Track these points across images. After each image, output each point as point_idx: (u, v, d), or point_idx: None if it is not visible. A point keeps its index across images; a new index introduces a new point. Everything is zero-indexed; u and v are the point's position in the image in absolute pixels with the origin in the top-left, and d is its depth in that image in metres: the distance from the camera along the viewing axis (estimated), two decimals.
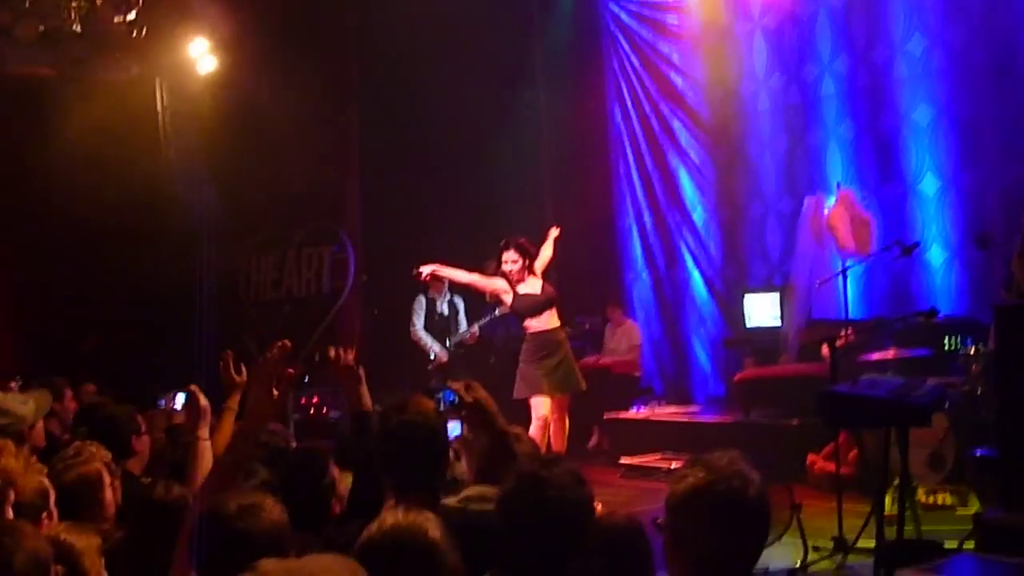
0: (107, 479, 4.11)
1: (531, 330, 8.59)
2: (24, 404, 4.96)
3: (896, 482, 6.21)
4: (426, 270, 8.92)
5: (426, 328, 10.75)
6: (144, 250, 12.46)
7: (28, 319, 12.02)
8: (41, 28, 10.86)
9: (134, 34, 11.40)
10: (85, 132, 11.48)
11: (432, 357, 10.63)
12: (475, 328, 10.61)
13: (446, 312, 10.84)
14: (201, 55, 11.99)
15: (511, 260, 8.48)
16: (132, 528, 3.66)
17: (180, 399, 4.59)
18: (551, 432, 8.37)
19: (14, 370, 9.34)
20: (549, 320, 8.57)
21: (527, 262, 8.52)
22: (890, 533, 5.46)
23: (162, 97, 12.36)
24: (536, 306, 8.54)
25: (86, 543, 3.25)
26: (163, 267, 12.32)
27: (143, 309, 12.32)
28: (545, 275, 8.78)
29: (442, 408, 4.11)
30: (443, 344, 10.66)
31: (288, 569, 2.20)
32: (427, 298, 10.81)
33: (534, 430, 8.10)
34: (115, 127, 11.95)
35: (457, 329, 10.77)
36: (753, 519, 2.47)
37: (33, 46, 11.06)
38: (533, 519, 2.89)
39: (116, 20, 11.15)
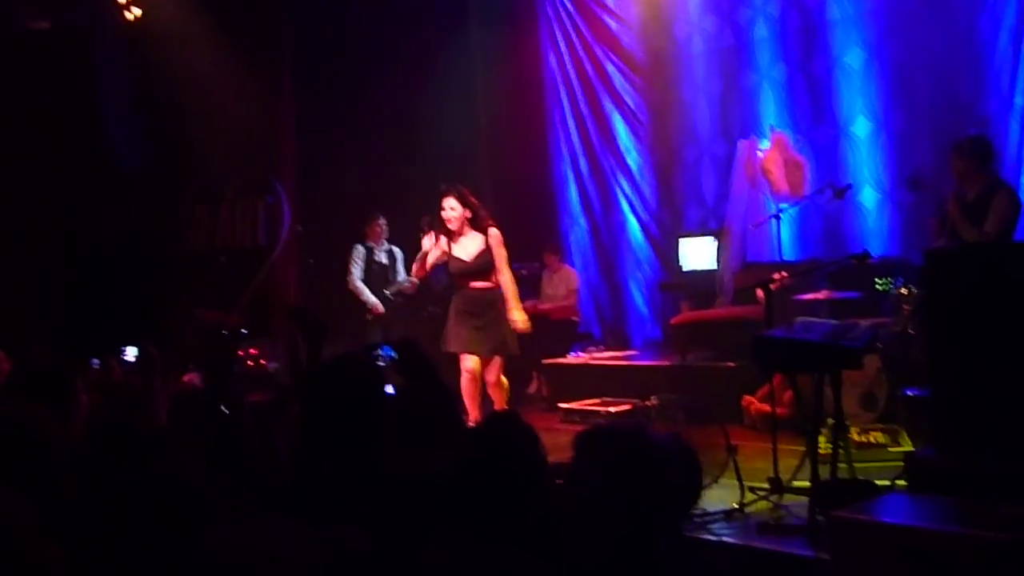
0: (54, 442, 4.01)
1: (462, 287, 8.29)
2: None
3: (830, 422, 6.32)
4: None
5: (364, 278, 10.68)
6: (77, 204, 12.27)
7: None
8: None
9: None
10: (14, 82, 11.27)
11: (369, 308, 10.59)
12: (413, 277, 10.55)
13: (384, 261, 10.79)
14: (128, 3, 11.75)
15: (450, 208, 8.06)
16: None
17: (131, 352, 4.55)
18: (491, 393, 8.15)
19: None
20: (482, 280, 8.18)
21: (468, 212, 8.08)
22: (824, 473, 5.55)
23: (89, 48, 12.13)
24: (465, 273, 8.18)
25: (18, 506, 3.17)
26: (96, 221, 12.17)
27: (76, 263, 12.16)
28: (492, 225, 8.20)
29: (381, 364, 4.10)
30: (381, 294, 10.62)
31: (238, 531, 2.18)
32: (365, 247, 10.75)
33: (464, 383, 7.99)
34: (44, 78, 11.74)
35: (395, 278, 10.73)
36: (647, 464, 2.47)
37: None
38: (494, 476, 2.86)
39: None
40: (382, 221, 10.79)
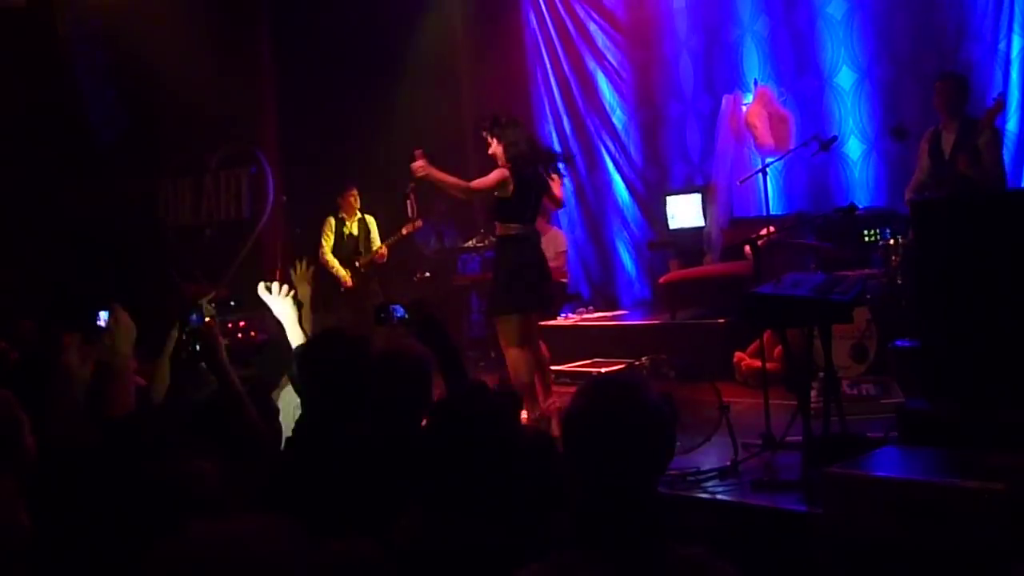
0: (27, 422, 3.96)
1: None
2: None
3: (821, 376, 6.31)
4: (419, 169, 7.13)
5: (335, 250, 10.59)
6: (58, 178, 12.19)
7: None
8: None
9: None
10: None
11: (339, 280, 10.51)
12: (383, 247, 10.49)
13: (355, 232, 10.70)
14: None
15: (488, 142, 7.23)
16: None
17: (103, 317, 4.52)
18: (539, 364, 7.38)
19: None
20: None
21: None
22: (817, 428, 5.54)
23: (61, 23, 12.00)
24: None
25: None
26: (77, 196, 12.09)
27: (59, 239, 12.09)
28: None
29: (392, 323, 4.09)
30: (351, 266, 10.53)
31: (218, 531, 2.12)
32: (337, 219, 10.66)
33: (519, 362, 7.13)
34: (19, 55, 11.63)
35: (368, 250, 10.64)
36: (644, 415, 2.46)
37: None
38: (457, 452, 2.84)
39: None
40: (354, 192, 10.68)
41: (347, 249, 10.60)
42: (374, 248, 10.58)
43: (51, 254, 11.95)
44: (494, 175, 7.08)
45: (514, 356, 7.09)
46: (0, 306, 10.09)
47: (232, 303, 10.91)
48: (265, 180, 12.39)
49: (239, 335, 10.87)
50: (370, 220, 10.71)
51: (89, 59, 12.21)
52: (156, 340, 4.82)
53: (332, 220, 10.64)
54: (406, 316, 3.82)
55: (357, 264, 10.53)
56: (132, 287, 10.93)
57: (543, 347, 7.49)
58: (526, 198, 7.21)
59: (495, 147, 7.15)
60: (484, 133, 7.24)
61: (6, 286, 11.32)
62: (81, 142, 12.33)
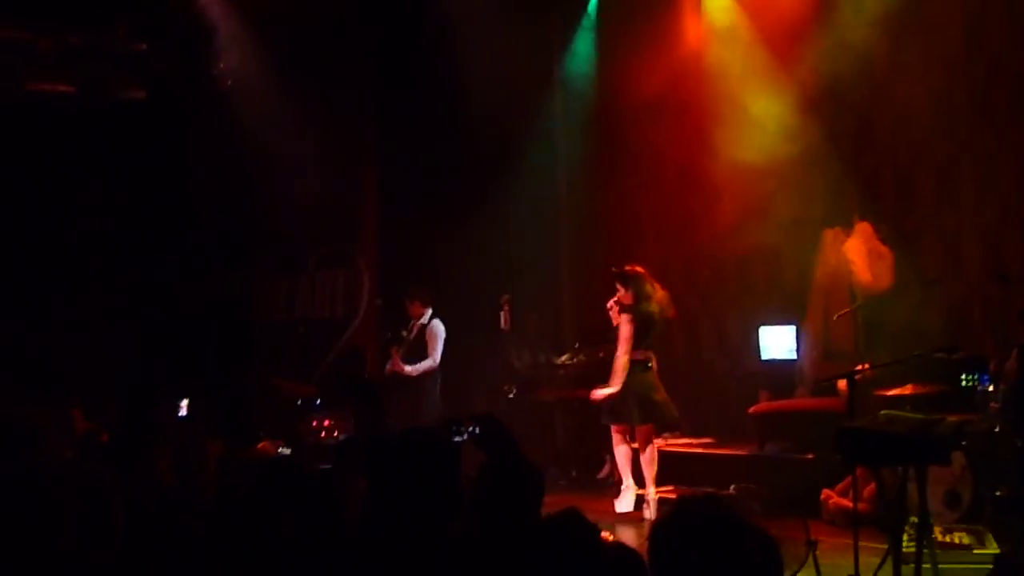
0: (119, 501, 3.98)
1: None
2: None
3: (912, 520, 6.13)
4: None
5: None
6: (158, 268, 12.49)
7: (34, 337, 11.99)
8: (61, 46, 10.92)
9: (148, 53, 11.47)
10: (102, 150, 11.53)
11: None
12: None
13: (410, 336, 10.89)
14: (218, 75, 12.04)
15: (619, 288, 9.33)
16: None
17: (184, 405, 4.60)
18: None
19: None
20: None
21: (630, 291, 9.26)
22: (907, 572, 5.37)
23: (179, 116, 12.40)
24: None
25: None
26: (177, 286, 12.36)
27: (156, 327, 12.33)
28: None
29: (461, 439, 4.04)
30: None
31: None
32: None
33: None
34: (133, 144, 12.01)
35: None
36: (729, 549, 2.39)
37: (53, 64, 11.12)
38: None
39: (132, 40, 11.22)
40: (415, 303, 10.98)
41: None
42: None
43: (148, 341, 12.19)
44: (626, 329, 9.21)
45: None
46: (90, 388, 10.28)
47: (318, 402, 11.08)
48: (361, 283, 12.54)
49: (322, 434, 10.98)
50: (436, 327, 10.78)
51: (201, 151, 12.56)
52: (243, 431, 4.86)
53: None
54: (476, 432, 3.77)
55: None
56: (220, 380, 11.09)
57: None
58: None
59: (624, 295, 9.22)
60: (617, 283, 9.25)
61: (102, 370, 11.56)
62: (186, 232, 12.63)
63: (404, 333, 10.80)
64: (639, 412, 9.25)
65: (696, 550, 2.37)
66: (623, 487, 9.38)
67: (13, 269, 11.94)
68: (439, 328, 10.77)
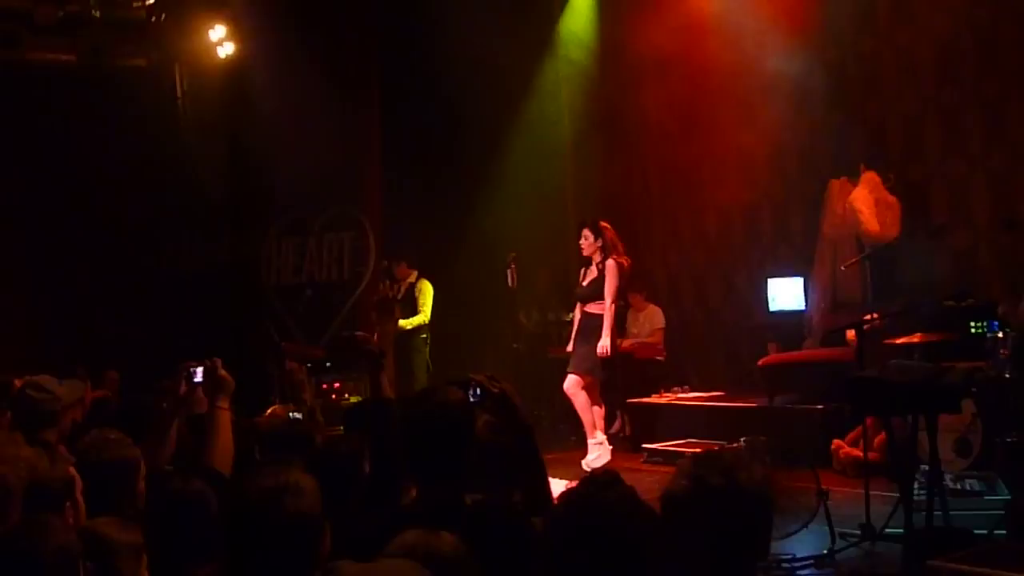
0: (143, 467, 3.98)
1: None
2: (59, 385, 4.97)
3: (923, 468, 6.15)
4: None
5: None
6: (165, 234, 12.51)
7: (45, 305, 12.03)
8: (60, 14, 10.87)
9: (153, 20, 11.41)
10: (105, 118, 11.50)
11: None
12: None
13: (398, 295, 11.24)
14: (220, 40, 12.00)
15: (584, 236, 9.29)
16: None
17: (199, 372, 4.63)
18: (578, 411, 9.34)
19: (32, 356, 9.36)
20: (592, 304, 9.37)
21: (598, 243, 9.22)
22: (918, 520, 5.39)
23: (181, 83, 12.37)
24: (580, 297, 9.52)
25: (126, 539, 3.07)
26: (183, 251, 12.37)
27: (162, 292, 12.36)
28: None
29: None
30: None
31: (366, 571, 2.15)
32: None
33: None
34: (134, 113, 11.99)
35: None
36: (744, 511, 2.39)
37: (53, 32, 11.07)
38: (582, 549, 2.49)
39: (135, 6, 11.16)
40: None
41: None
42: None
43: (152, 306, 12.22)
44: (614, 277, 9.14)
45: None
46: (100, 354, 10.32)
47: (328, 364, 11.10)
48: (368, 245, 12.56)
49: (332, 396, 11.02)
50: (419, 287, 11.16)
51: (203, 117, 12.54)
52: (254, 395, 4.88)
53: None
54: (480, 394, 3.76)
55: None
56: (233, 343, 11.12)
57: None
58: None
59: (592, 244, 9.23)
60: (587, 231, 9.28)
61: (107, 336, 11.60)
62: (190, 199, 12.63)
63: (390, 294, 10.99)
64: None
65: (708, 516, 2.39)
66: (599, 442, 9.34)
67: (21, 239, 11.97)
68: (428, 286, 11.17)
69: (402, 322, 10.93)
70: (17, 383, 5.14)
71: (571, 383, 9.29)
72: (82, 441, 4.08)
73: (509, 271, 8.86)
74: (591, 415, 9.30)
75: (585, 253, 9.34)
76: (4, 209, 11.85)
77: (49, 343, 11.21)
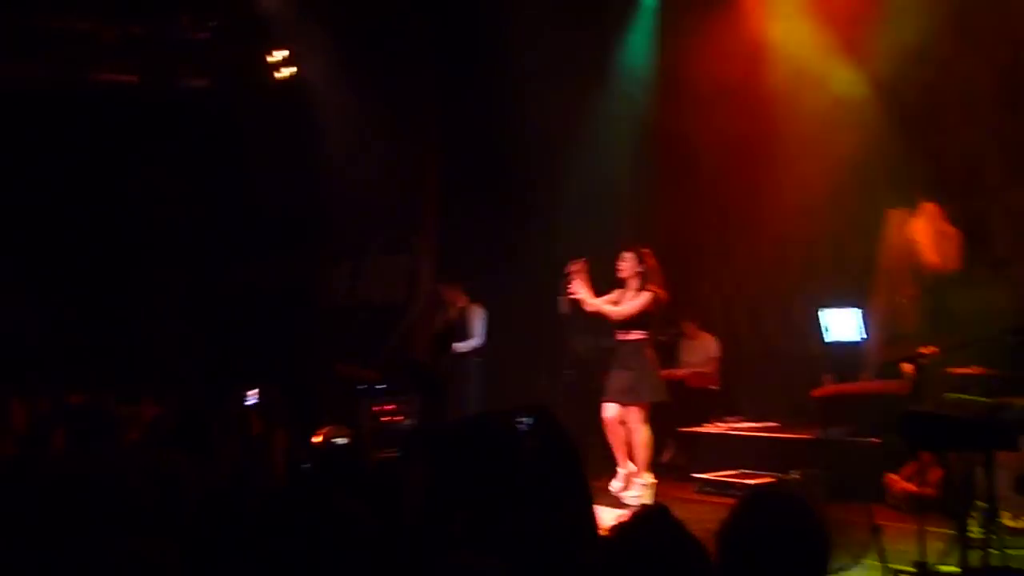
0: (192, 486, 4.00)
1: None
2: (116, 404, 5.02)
3: (979, 505, 6.04)
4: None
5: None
6: (221, 255, 12.64)
7: (101, 323, 12.19)
8: (124, 35, 11.06)
9: (213, 42, 11.58)
10: (165, 139, 11.66)
11: None
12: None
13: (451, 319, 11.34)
14: (279, 62, 12.14)
15: (623, 259, 9.20)
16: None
17: (253, 395, 4.67)
18: (630, 440, 9.10)
19: (89, 375, 9.50)
20: (627, 331, 9.21)
21: (639, 269, 9.09)
22: (974, 558, 5.29)
23: (240, 104, 12.53)
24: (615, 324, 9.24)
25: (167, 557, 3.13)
26: (239, 272, 12.50)
27: (218, 312, 12.49)
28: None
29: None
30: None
31: None
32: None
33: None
34: (194, 134, 12.15)
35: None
36: (803, 546, 2.37)
37: (116, 53, 11.27)
38: None
39: (197, 28, 11.33)
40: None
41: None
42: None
43: (208, 326, 12.36)
44: (643, 301, 9.01)
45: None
46: (151, 373, 10.44)
47: (381, 387, 11.15)
48: (421, 268, 12.62)
49: (384, 419, 11.06)
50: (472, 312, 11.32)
51: (261, 139, 12.68)
52: (307, 417, 4.90)
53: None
54: (529, 424, 3.73)
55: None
56: (287, 365, 11.21)
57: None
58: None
59: (630, 269, 9.13)
60: (630, 254, 9.19)
61: (166, 356, 11.73)
62: (247, 219, 12.77)
63: (451, 324, 11.12)
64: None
65: (768, 551, 2.36)
66: (631, 473, 9.09)
67: (83, 259, 12.15)
68: (481, 310, 11.31)
69: (456, 346, 10.94)
70: (74, 400, 5.22)
71: (630, 416, 9.03)
72: (139, 459, 4.13)
73: (562, 297, 8.86)
74: (646, 453, 9.06)
75: (622, 275, 9.20)
76: (63, 226, 12.03)
77: (107, 362, 11.35)
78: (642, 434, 9.00)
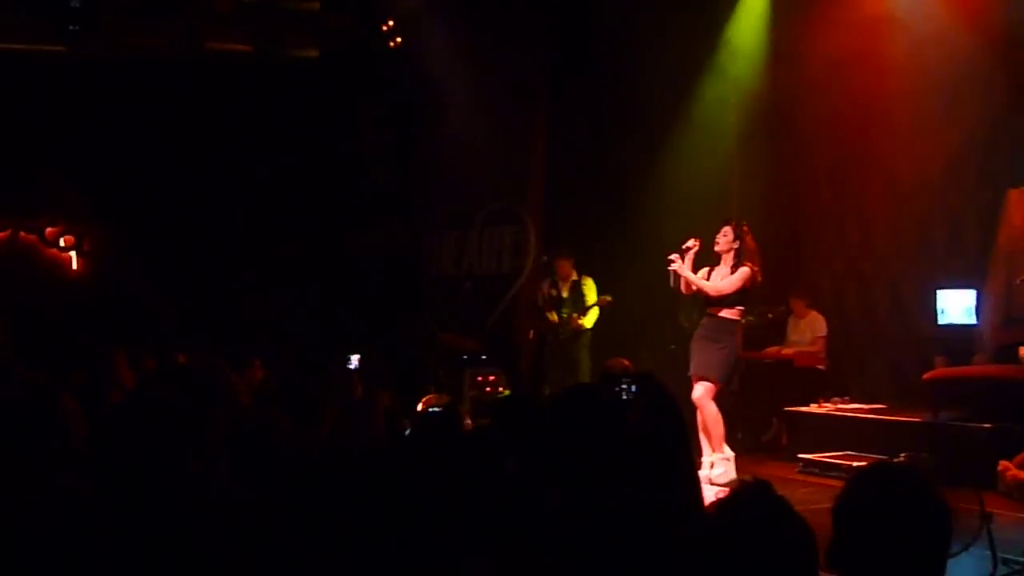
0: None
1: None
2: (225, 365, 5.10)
3: None
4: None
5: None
6: (329, 222, 12.82)
7: (212, 290, 12.44)
8: (238, 4, 11.24)
9: (326, 12, 11.71)
10: (277, 108, 11.82)
11: None
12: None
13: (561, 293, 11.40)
14: (391, 33, 12.22)
15: (723, 234, 8.89)
16: None
17: (355, 359, 4.72)
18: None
19: (197, 341, 9.69)
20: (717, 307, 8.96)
21: (736, 244, 8.81)
22: None
23: (351, 74, 12.66)
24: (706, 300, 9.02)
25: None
26: (347, 240, 12.66)
27: (328, 281, 12.67)
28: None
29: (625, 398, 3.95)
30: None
31: None
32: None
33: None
34: (306, 103, 12.30)
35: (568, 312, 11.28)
36: (927, 524, 2.30)
37: (231, 22, 11.44)
38: (733, 560, 2.41)
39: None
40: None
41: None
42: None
43: (315, 293, 12.55)
44: (741, 277, 8.72)
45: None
46: (268, 338, 10.61)
47: (484, 357, 11.22)
48: (528, 240, 12.63)
49: (487, 388, 11.12)
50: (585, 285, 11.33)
51: (371, 109, 12.80)
52: (410, 384, 4.94)
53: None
54: (634, 392, 3.68)
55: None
56: (392, 332, 11.33)
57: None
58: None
59: (728, 243, 8.81)
60: (729, 227, 8.92)
61: (275, 320, 11.93)
62: (358, 188, 12.92)
63: (553, 292, 11.31)
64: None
65: (889, 527, 2.30)
66: (726, 458, 8.86)
67: (195, 230, 12.42)
68: (592, 284, 11.37)
69: (582, 320, 11.17)
70: (181, 359, 5.31)
71: (701, 392, 8.85)
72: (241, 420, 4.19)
73: (671, 271, 8.74)
74: (720, 429, 8.87)
75: (718, 250, 8.91)
76: (175, 192, 12.29)
77: (215, 327, 11.58)
78: (711, 410, 8.84)
